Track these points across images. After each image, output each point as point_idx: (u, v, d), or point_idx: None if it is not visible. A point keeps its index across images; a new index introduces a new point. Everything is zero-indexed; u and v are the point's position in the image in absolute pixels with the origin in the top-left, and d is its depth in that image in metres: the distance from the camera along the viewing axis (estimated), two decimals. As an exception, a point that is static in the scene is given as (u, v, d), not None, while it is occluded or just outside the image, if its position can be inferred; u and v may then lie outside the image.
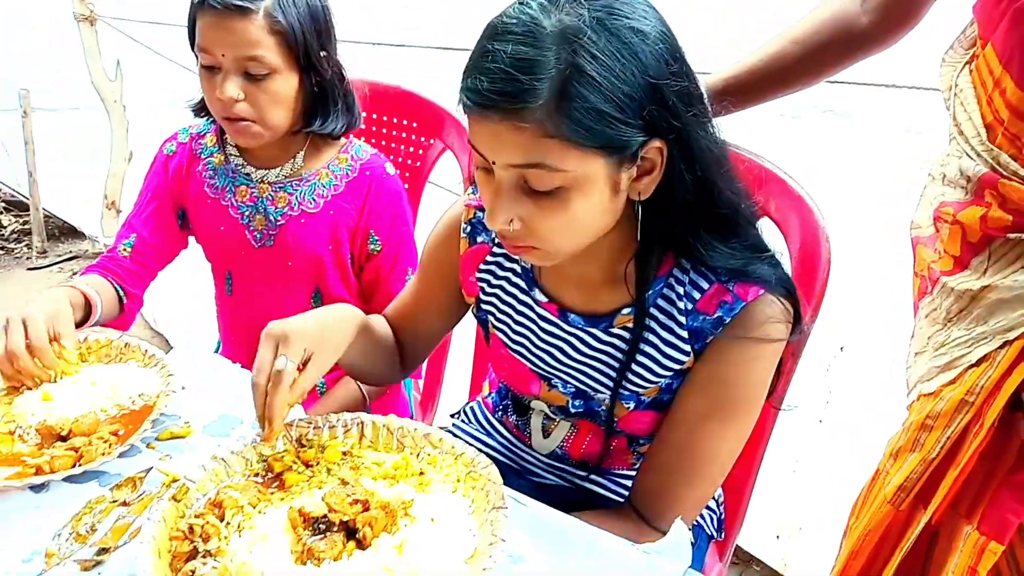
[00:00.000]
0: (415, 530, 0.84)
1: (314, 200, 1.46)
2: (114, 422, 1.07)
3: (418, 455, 0.98)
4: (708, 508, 1.23)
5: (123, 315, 1.47)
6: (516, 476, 1.22)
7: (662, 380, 1.03)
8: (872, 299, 1.63)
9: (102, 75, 3.40)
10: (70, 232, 3.96)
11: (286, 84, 1.33)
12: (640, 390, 1.04)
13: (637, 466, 1.16)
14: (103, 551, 0.87)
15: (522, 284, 1.10)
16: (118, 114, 3.47)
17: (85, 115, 3.71)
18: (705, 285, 0.98)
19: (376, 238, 1.48)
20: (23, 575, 0.84)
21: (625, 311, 1.03)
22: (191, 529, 0.84)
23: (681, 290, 0.99)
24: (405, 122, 1.70)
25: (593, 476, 1.18)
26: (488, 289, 1.14)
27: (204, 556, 0.82)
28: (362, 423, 1.01)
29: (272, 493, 0.93)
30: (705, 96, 1.17)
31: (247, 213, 1.47)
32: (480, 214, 1.11)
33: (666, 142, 0.88)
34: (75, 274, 1.35)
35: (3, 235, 4.02)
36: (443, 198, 1.20)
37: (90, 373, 1.17)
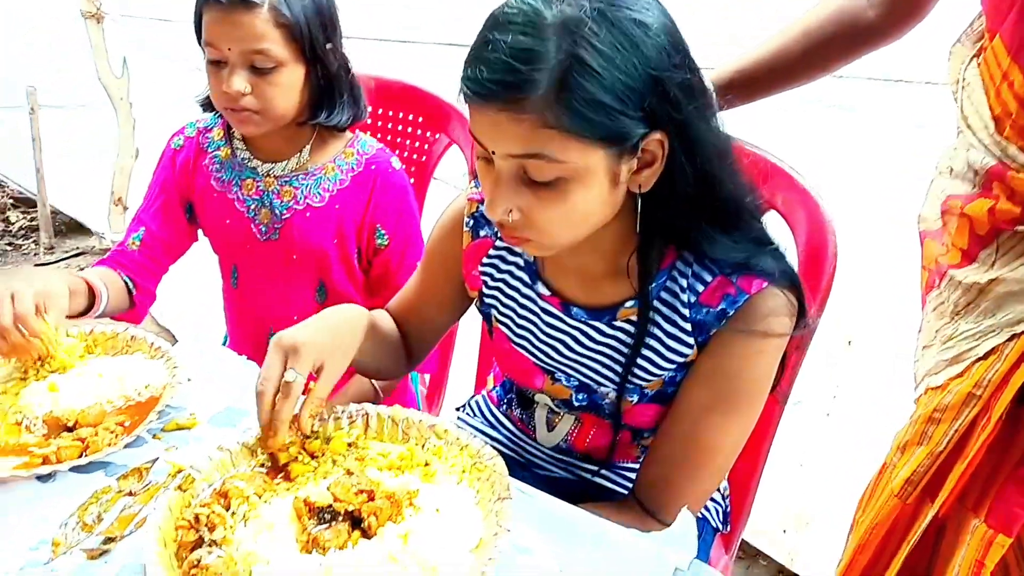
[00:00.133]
0: (420, 520, 0.84)
1: (319, 194, 1.46)
2: (120, 413, 1.08)
3: (423, 446, 0.98)
4: (713, 501, 1.23)
5: (134, 308, 1.48)
6: (521, 469, 1.22)
7: (666, 373, 1.03)
8: (879, 293, 1.62)
9: (108, 72, 3.41)
10: (77, 228, 3.97)
11: (292, 77, 1.33)
12: (644, 383, 1.04)
13: (641, 459, 1.16)
14: (109, 540, 0.87)
15: (525, 278, 1.10)
16: (124, 111, 3.47)
17: (92, 112, 3.72)
18: (708, 278, 0.98)
19: (383, 232, 1.48)
20: (30, 564, 0.85)
21: (628, 304, 1.02)
22: (197, 518, 0.84)
23: (684, 283, 0.99)
24: (410, 116, 1.70)
25: (599, 470, 1.18)
26: (491, 283, 1.14)
27: (210, 545, 0.82)
28: (367, 414, 1.01)
29: (278, 483, 0.93)
30: (711, 89, 1.17)
31: (253, 207, 1.47)
32: (483, 208, 1.11)
33: (667, 134, 0.88)
34: (82, 270, 1.36)
35: (11, 231, 4.04)
36: (448, 193, 1.20)
37: (97, 365, 1.17)
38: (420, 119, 1.70)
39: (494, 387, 1.33)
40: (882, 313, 1.66)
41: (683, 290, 0.99)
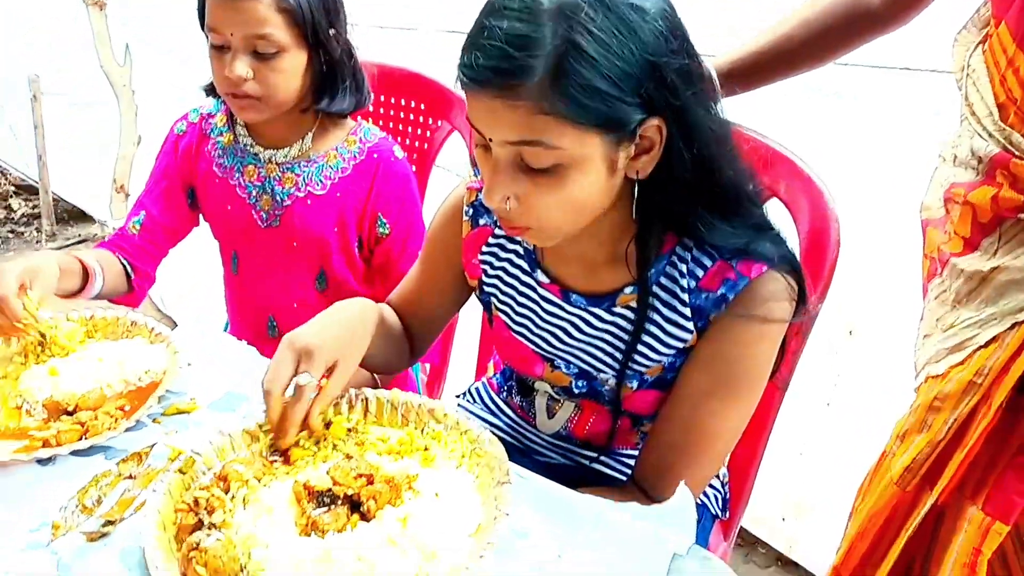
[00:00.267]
0: (419, 504, 0.84)
1: (321, 182, 1.46)
2: (120, 398, 1.08)
3: (423, 431, 0.98)
4: (712, 488, 1.23)
5: (133, 292, 1.48)
6: (521, 456, 1.22)
7: (665, 359, 1.02)
8: (881, 282, 1.62)
9: (111, 59, 3.40)
10: (79, 216, 3.97)
11: (295, 62, 1.32)
12: (643, 369, 1.04)
13: (641, 446, 1.16)
14: (109, 523, 0.87)
15: (524, 266, 1.10)
16: (127, 98, 3.47)
17: (94, 100, 3.71)
18: (708, 263, 0.98)
19: (384, 221, 1.48)
20: (31, 546, 0.85)
21: (627, 290, 1.02)
22: (196, 502, 0.84)
23: (684, 268, 0.99)
24: (413, 104, 1.70)
25: (598, 457, 1.18)
26: (490, 271, 1.13)
27: (209, 528, 0.83)
28: (366, 399, 1.01)
29: (277, 468, 0.93)
30: (714, 76, 1.17)
31: (254, 193, 1.47)
32: (482, 196, 1.11)
33: (665, 120, 0.87)
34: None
35: (13, 218, 4.04)
36: (450, 181, 1.20)
37: (97, 349, 1.17)
38: (422, 106, 1.69)
39: (494, 374, 1.33)
40: (884, 302, 1.65)
41: (682, 275, 0.99)
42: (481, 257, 1.13)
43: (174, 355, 1.14)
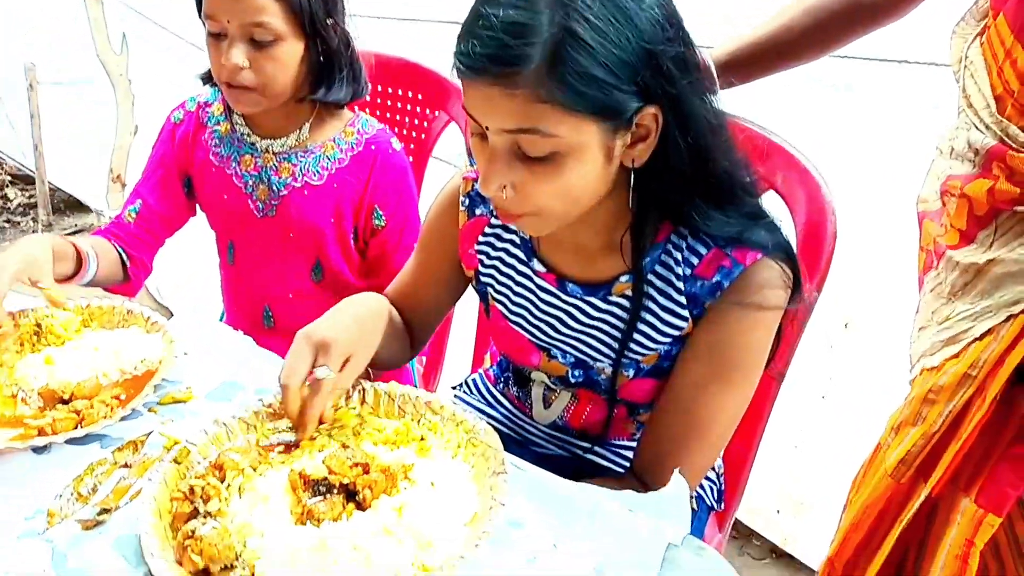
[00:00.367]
0: (415, 493, 0.85)
1: (318, 172, 1.45)
2: (116, 387, 1.07)
3: (419, 421, 0.98)
4: (708, 479, 1.23)
5: (129, 281, 1.47)
6: (517, 447, 1.22)
7: (661, 347, 1.03)
8: (878, 276, 1.62)
9: (107, 48, 3.39)
10: (76, 206, 3.96)
11: (292, 51, 1.32)
12: (639, 358, 1.04)
13: (637, 437, 1.16)
14: (104, 511, 0.87)
15: (520, 255, 1.10)
16: (123, 87, 3.45)
17: (90, 89, 3.70)
18: (703, 251, 0.98)
19: (381, 213, 1.48)
20: (26, 533, 0.85)
21: (623, 279, 1.02)
22: (191, 490, 0.84)
23: (679, 256, 0.99)
24: (410, 94, 1.69)
25: (594, 448, 1.18)
26: (487, 261, 1.13)
27: (204, 517, 0.83)
28: (363, 389, 1.01)
29: (273, 456, 0.93)
30: (712, 67, 1.17)
31: (250, 183, 1.47)
32: (478, 186, 1.10)
33: (661, 108, 0.87)
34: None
35: (9, 208, 4.03)
36: (447, 172, 1.20)
37: (93, 338, 1.17)
38: (419, 96, 1.69)
39: (491, 365, 1.33)
40: (880, 295, 1.66)
41: (677, 263, 0.99)
42: (477, 247, 1.13)
43: (170, 344, 1.14)
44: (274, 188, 1.45)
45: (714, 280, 0.97)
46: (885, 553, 1.11)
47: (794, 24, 1.22)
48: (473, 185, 1.12)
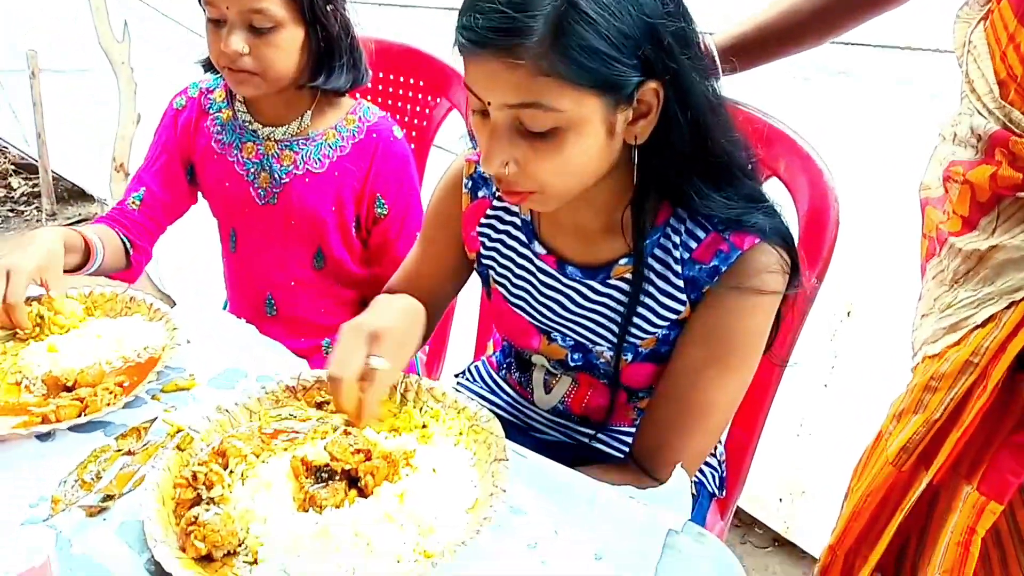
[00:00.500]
0: (417, 480, 0.85)
1: (320, 160, 1.45)
2: (119, 374, 1.08)
3: (421, 409, 0.98)
4: (710, 466, 1.24)
5: (131, 268, 1.48)
6: (519, 434, 1.22)
7: (659, 331, 1.03)
8: (880, 262, 1.61)
9: (109, 36, 3.38)
10: (79, 195, 3.96)
11: (291, 37, 1.31)
12: (638, 341, 1.04)
13: (637, 422, 1.16)
14: (108, 498, 0.88)
15: (522, 237, 1.10)
16: (125, 76, 3.45)
17: (93, 78, 3.69)
18: (701, 235, 0.98)
19: (383, 201, 1.48)
20: (30, 520, 0.86)
21: (622, 262, 1.02)
22: (194, 476, 0.85)
23: (677, 239, 0.99)
24: (411, 81, 1.69)
25: (594, 432, 1.18)
26: (488, 243, 1.13)
27: (207, 503, 0.83)
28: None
29: (276, 444, 0.93)
30: (714, 52, 1.16)
31: (252, 170, 1.46)
32: (480, 166, 1.10)
33: (662, 84, 0.87)
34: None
35: (12, 197, 4.04)
36: (449, 162, 1.20)
37: (96, 326, 1.18)
38: (421, 83, 1.68)
39: (494, 352, 1.34)
40: (883, 283, 1.65)
41: (676, 247, 0.99)
42: (479, 229, 1.13)
43: (173, 332, 1.14)
44: (276, 176, 1.45)
45: (712, 264, 0.97)
46: (886, 541, 1.11)
47: (797, 9, 1.21)
48: (476, 167, 1.12)
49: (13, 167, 4.25)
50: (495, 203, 1.12)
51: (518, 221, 1.10)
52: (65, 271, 1.25)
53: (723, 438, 1.30)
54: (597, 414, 1.17)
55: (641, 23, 0.83)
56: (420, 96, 1.68)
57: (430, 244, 1.21)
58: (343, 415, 0.97)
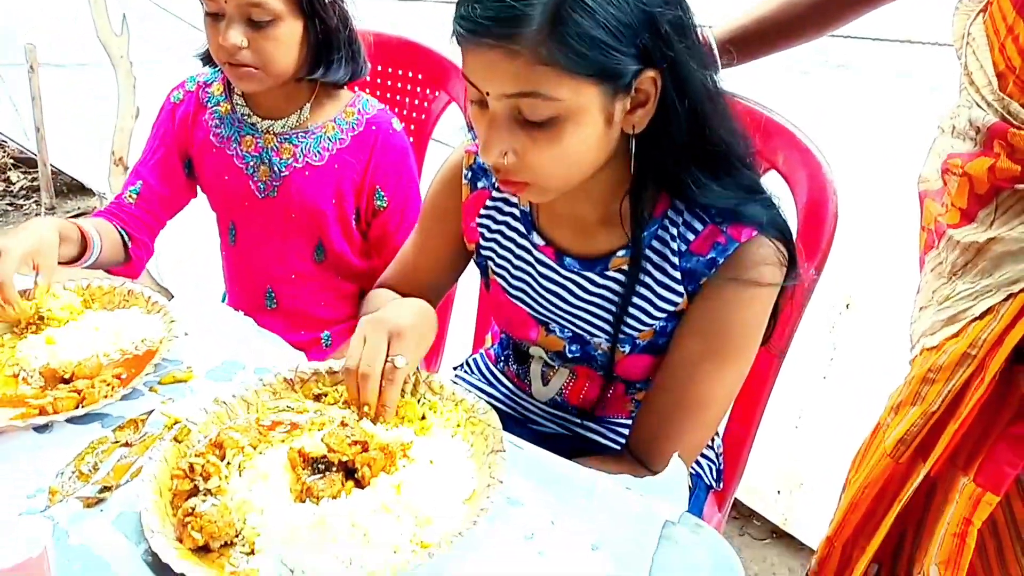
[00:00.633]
0: (414, 471, 0.85)
1: (319, 153, 1.45)
2: (117, 366, 1.08)
3: (419, 401, 0.98)
4: (707, 458, 1.24)
5: (131, 262, 1.47)
6: (517, 425, 1.22)
7: (656, 323, 1.03)
8: (879, 255, 1.61)
9: (108, 30, 3.37)
10: (78, 189, 3.96)
11: (290, 31, 1.31)
12: (635, 333, 1.04)
13: (634, 414, 1.16)
14: (105, 489, 0.88)
15: (520, 228, 1.10)
16: (124, 69, 3.44)
17: (92, 71, 3.69)
18: (699, 227, 0.98)
19: (382, 194, 1.48)
20: (28, 511, 0.86)
21: (620, 253, 1.02)
22: (191, 467, 0.85)
23: (675, 231, 0.99)
24: (410, 74, 1.69)
25: (591, 424, 1.19)
26: (487, 234, 1.13)
27: (204, 494, 0.83)
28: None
29: (273, 435, 0.93)
30: (713, 44, 1.16)
31: (252, 163, 1.46)
32: (479, 157, 1.10)
33: (660, 73, 0.87)
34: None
35: (12, 191, 4.03)
36: (447, 154, 1.20)
37: (93, 318, 1.17)
38: (419, 76, 1.68)
39: (492, 345, 1.34)
40: (882, 275, 1.65)
41: (673, 239, 0.99)
42: (479, 220, 1.13)
43: (170, 324, 1.14)
44: (275, 169, 1.45)
45: (709, 256, 0.97)
46: (884, 532, 1.11)
47: (796, 2, 1.21)
48: (475, 158, 1.12)
49: (12, 161, 4.25)
50: (494, 194, 1.12)
51: (517, 212, 1.10)
52: (61, 262, 1.25)
53: (720, 430, 1.30)
54: (594, 405, 1.17)
55: (639, 11, 0.83)
56: (418, 89, 1.68)
57: (427, 236, 1.21)
58: (342, 408, 0.97)
